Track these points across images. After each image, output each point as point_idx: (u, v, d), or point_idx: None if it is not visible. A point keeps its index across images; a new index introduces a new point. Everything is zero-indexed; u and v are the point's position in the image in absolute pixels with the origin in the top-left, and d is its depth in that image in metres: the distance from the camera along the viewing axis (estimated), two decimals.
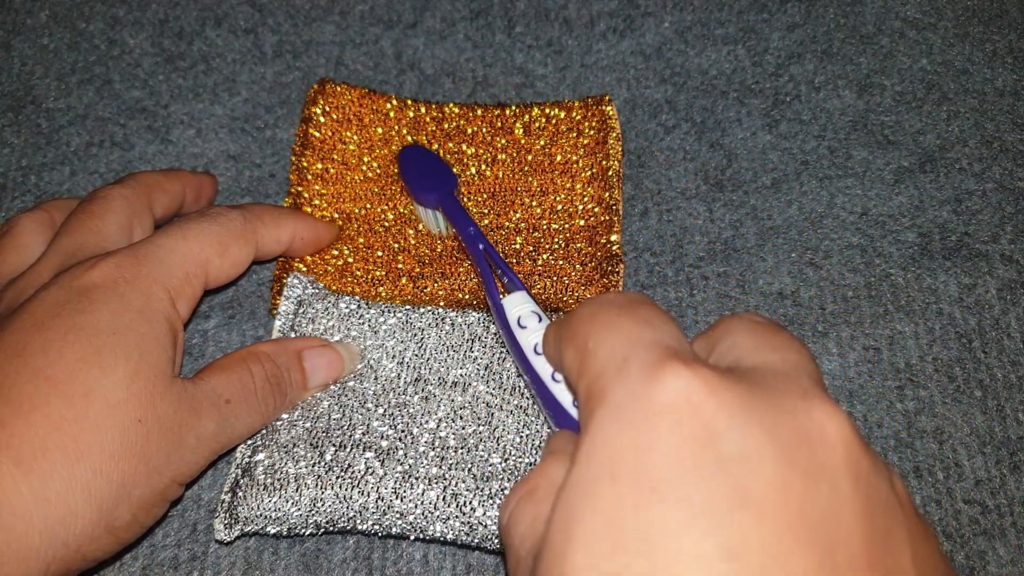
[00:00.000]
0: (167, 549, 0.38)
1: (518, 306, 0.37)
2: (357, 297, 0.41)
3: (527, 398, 0.38)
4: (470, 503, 0.35)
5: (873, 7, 0.53)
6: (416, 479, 0.36)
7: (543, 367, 0.34)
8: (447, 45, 0.52)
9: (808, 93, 0.50)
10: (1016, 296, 0.44)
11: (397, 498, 0.35)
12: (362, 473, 0.36)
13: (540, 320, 0.36)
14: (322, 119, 0.46)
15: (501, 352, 0.39)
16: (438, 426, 0.37)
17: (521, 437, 0.37)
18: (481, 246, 0.40)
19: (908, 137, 0.48)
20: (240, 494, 0.36)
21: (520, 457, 0.36)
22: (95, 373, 0.31)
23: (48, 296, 0.33)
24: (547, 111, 0.46)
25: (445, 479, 0.36)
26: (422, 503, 0.35)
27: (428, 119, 0.46)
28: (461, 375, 0.38)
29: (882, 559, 0.23)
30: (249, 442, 0.38)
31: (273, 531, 0.36)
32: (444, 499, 0.35)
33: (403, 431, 0.37)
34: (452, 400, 0.38)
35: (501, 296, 0.38)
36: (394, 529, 0.36)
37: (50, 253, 0.36)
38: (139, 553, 0.38)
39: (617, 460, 0.23)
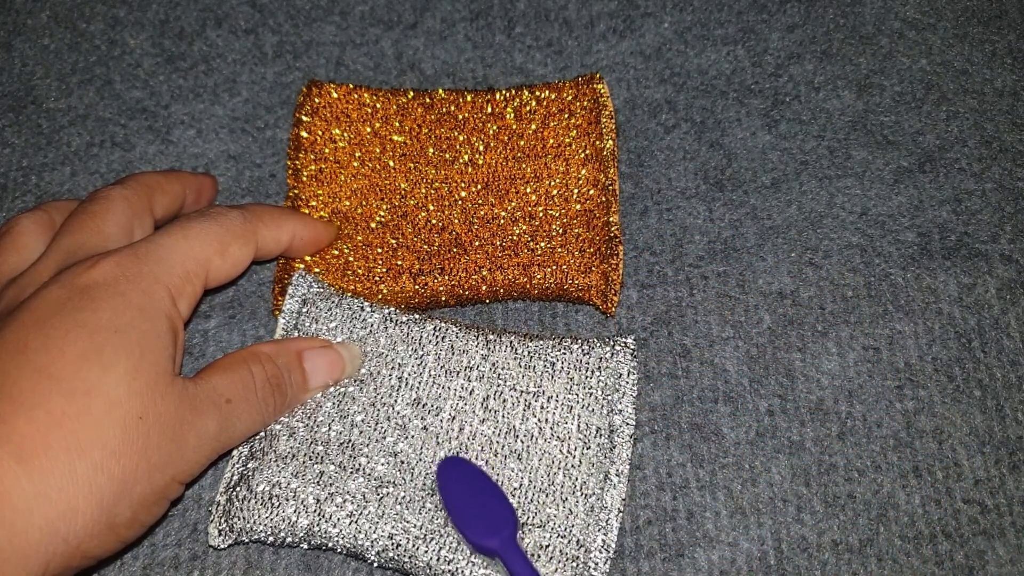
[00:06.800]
0: (167, 548, 0.38)
1: None
2: (361, 298, 0.41)
3: (522, 442, 0.37)
4: (462, 571, 0.35)
5: (872, 7, 0.53)
6: (411, 529, 0.36)
7: None
8: (447, 45, 0.52)
9: (808, 93, 0.50)
10: (1015, 296, 0.44)
11: (392, 545, 0.35)
12: (361, 509, 0.36)
13: None
14: (310, 120, 0.46)
15: (498, 385, 0.39)
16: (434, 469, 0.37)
17: (515, 498, 0.37)
18: None
19: (907, 137, 0.48)
20: (237, 504, 0.36)
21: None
22: (96, 370, 0.31)
23: (49, 294, 0.33)
24: (537, 93, 0.46)
25: (440, 536, 0.36)
26: (415, 557, 0.35)
27: (416, 105, 0.46)
28: (459, 408, 0.38)
29: None
30: (247, 444, 0.38)
31: (268, 542, 0.36)
32: (438, 559, 0.35)
33: (403, 462, 0.37)
34: (450, 439, 0.37)
35: None
36: (388, 567, 0.36)
37: (51, 252, 0.36)
38: (139, 552, 0.38)
39: None
